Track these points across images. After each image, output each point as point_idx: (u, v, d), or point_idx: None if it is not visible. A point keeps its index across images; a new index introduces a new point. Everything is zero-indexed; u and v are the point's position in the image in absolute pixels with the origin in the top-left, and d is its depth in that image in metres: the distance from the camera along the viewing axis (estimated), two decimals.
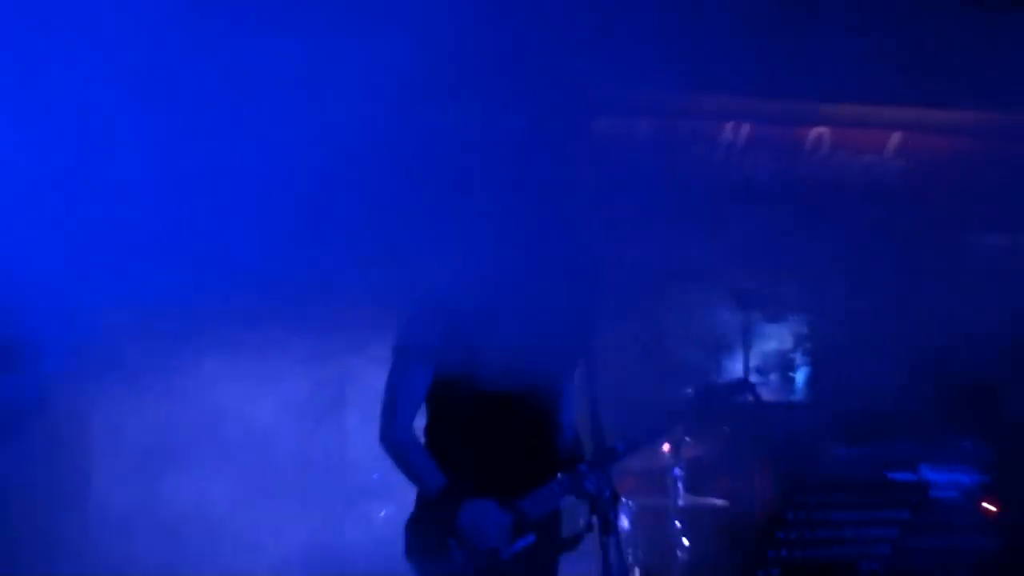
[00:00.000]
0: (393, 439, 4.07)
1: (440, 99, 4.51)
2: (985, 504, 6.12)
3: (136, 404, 6.06)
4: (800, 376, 6.60)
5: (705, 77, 5.21)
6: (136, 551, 5.65)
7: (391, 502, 5.88)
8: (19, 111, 3.99)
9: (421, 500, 4.14)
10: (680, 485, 5.96)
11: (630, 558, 6.15)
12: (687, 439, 5.90)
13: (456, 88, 4.53)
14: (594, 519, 4.12)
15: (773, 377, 6.57)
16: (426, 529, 4.08)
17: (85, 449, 6.08)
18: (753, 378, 6.17)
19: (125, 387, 5.26)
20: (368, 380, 4.52)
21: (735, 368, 6.38)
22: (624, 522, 6.02)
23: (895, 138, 5.88)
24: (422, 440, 4.15)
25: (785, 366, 6.59)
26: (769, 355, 6.54)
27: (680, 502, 6.06)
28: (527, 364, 4.06)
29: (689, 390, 5.06)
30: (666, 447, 5.83)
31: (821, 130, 5.83)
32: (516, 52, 4.50)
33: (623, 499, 5.18)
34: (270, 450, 6.31)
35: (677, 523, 6.12)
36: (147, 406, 6.02)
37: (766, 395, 6.31)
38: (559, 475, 4.07)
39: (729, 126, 5.76)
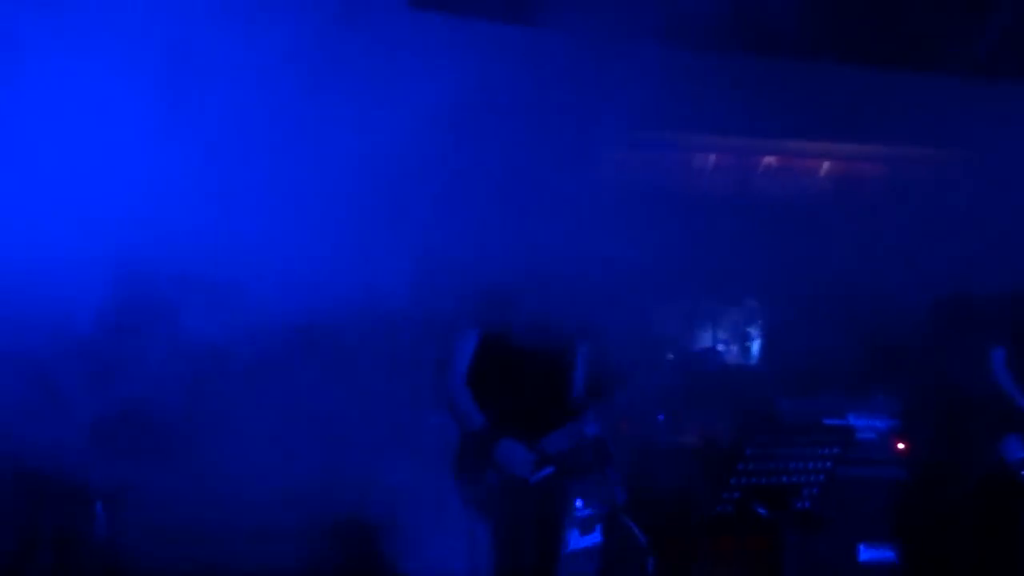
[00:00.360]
0: (447, 387, 4.60)
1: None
2: (897, 443, 6.32)
3: None
4: (755, 345, 6.92)
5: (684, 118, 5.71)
6: None
7: None
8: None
9: (465, 437, 4.59)
10: (662, 428, 6.36)
11: (620, 487, 6.00)
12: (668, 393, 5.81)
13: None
14: (594, 455, 4.66)
15: (734, 347, 6.90)
16: (469, 460, 4.56)
17: None
18: (719, 347, 6.55)
19: None
20: None
21: (705, 340, 6.77)
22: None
23: (825, 166, 6.26)
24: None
25: (743, 338, 6.96)
26: (731, 330, 6.94)
27: (662, 442, 6.38)
28: (548, 334, 4.52)
29: (671, 356, 5.95)
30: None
31: (770, 159, 6.17)
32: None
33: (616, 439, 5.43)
34: None
35: (659, 458, 6.29)
36: None
37: (730, 360, 6.71)
38: (570, 421, 4.60)
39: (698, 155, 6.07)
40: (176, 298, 4.76)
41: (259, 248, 4.53)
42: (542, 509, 4.54)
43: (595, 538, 5.68)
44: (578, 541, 5.55)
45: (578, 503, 5.26)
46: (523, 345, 4.53)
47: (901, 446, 6.28)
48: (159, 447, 4.86)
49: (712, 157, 6.03)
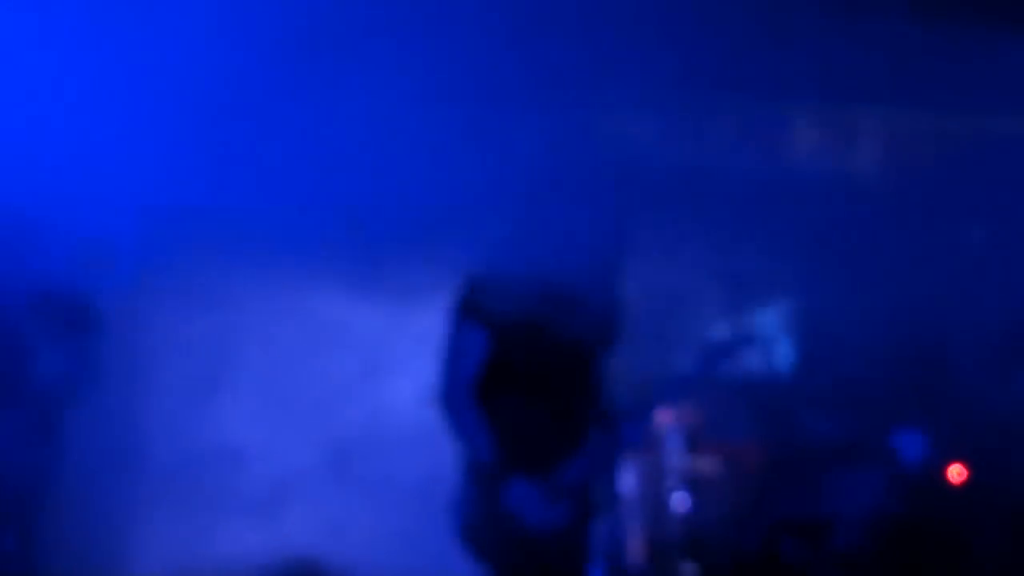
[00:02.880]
0: (451, 400, 4.28)
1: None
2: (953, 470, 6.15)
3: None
4: (788, 357, 6.75)
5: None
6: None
7: None
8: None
9: (469, 467, 4.32)
10: (681, 445, 6.17)
11: (638, 513, 6.22)
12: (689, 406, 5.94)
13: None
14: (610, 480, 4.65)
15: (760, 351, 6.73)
16: (472, 497, 4.28)
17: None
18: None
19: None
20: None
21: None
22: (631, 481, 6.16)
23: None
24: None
25: (771, 341, 6.79)
26: (756, 331, 6.74)
27: (681, 464, 6.20)
28: (573, 336, 4.28)
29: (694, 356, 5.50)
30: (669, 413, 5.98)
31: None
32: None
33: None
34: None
35: (677, 480, 6.18)
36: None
37: (754, 365, 6.51)
38: (588, 442, 4.31)
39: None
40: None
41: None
42: (559, 561, 4.30)
43: None
44: None
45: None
46: (540, 345, 4.28)
47: (958, 474, 6.10)
48: None
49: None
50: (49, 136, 4.50)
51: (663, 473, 6.15)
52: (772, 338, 6.76)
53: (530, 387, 4.28)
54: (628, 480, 6.04)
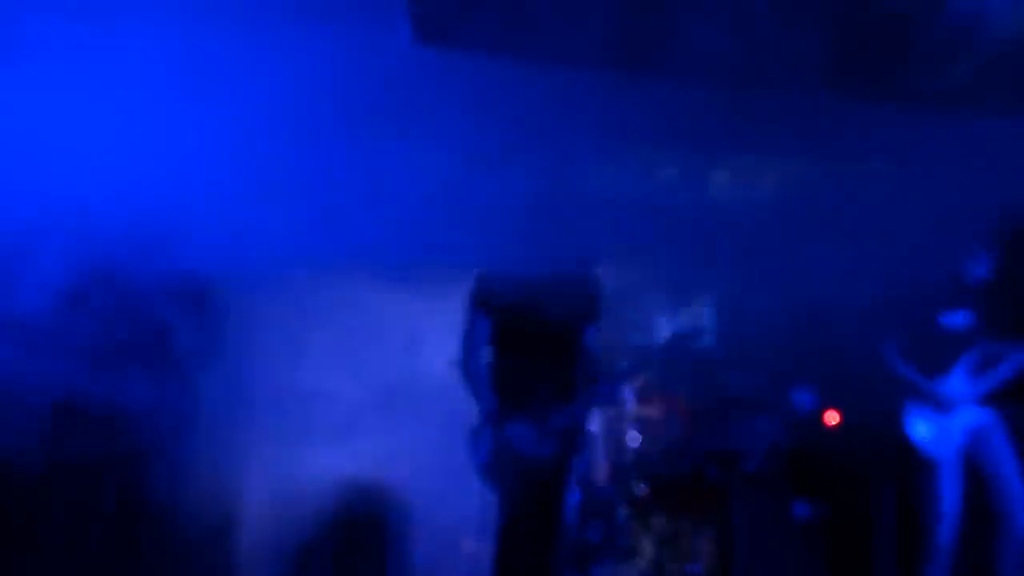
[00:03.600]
0: (468, 367, 4.80)
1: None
2: (828, 415, 6.70)
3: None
4: (712, 334, 7.14)
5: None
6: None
7: None
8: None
9: (481, 415, 4.73)
10: (633, 398, 6.67)
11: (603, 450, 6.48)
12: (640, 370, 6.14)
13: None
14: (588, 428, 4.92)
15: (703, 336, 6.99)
16: (484, 436, 4.71)
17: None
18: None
19: None
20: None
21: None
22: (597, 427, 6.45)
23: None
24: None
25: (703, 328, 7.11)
26: (697, 324, 7.11)
27: (634, 411, 6.66)
28: (558, 320, 4.75)
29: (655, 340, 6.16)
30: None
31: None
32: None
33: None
34: None
35: (631, 423, 6.63)
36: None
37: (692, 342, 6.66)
38: (576, 397, 4.75)
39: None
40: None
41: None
42: (548, 482, 4.68)
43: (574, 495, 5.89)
44: None
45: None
46: (533, 326, 4.71)
47: (833, 418, 6.75)
48: None
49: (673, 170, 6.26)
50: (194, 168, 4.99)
51: (621, 418, 6.63)
52: (702, 321, 7.18)
53: (526, 355, 4.73)
54: (596, 424, 6.43)
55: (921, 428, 5.72)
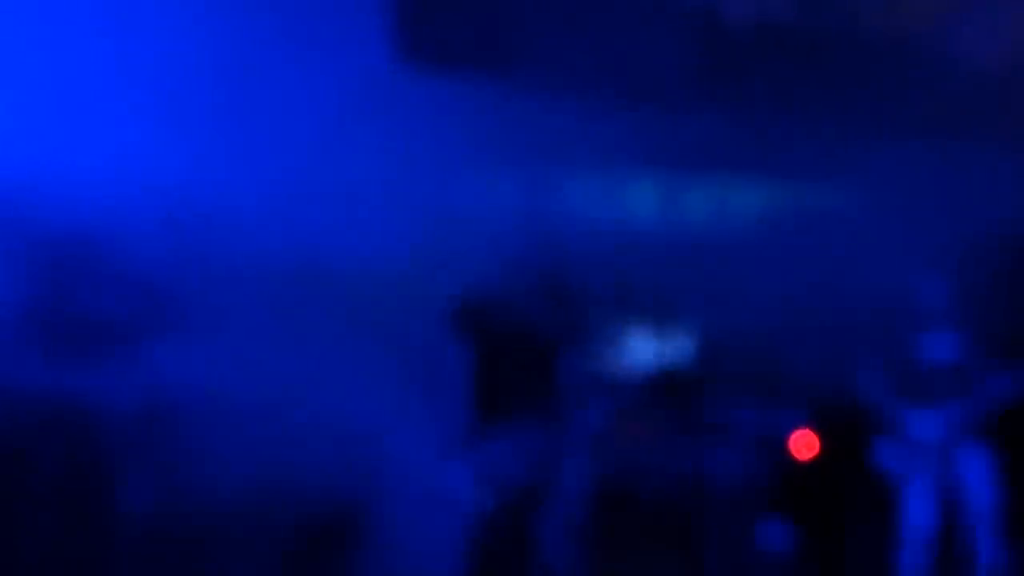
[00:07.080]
0: (443, 389, 4.93)
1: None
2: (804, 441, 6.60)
3: None
4: (687, 361, 6.95)
5: None
6: None
7: None
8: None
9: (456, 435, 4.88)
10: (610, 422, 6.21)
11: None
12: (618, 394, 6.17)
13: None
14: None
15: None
16: (459, 456, 4.86)
17: None
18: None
19: None
20: None
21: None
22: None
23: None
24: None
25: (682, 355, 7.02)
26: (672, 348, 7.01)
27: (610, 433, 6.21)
28: (535, 341, 4.89)
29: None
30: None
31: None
32: None
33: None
34: None
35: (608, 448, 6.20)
36: None
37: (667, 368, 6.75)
38: (552, 419, 4.93)
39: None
40: None
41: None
42: (522, 505, 4.91)
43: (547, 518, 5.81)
44: None
45: None
46: (510, 347, 4.87)
47: (809, 445, 6.74)
48: None
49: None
50: None
51: (597, 440, 6.07)
52: (678, 345, 7.05)
53: (503, 375, 4.87)
54: (574, 446, 5.90)
55: (894, 455, 5.81)
